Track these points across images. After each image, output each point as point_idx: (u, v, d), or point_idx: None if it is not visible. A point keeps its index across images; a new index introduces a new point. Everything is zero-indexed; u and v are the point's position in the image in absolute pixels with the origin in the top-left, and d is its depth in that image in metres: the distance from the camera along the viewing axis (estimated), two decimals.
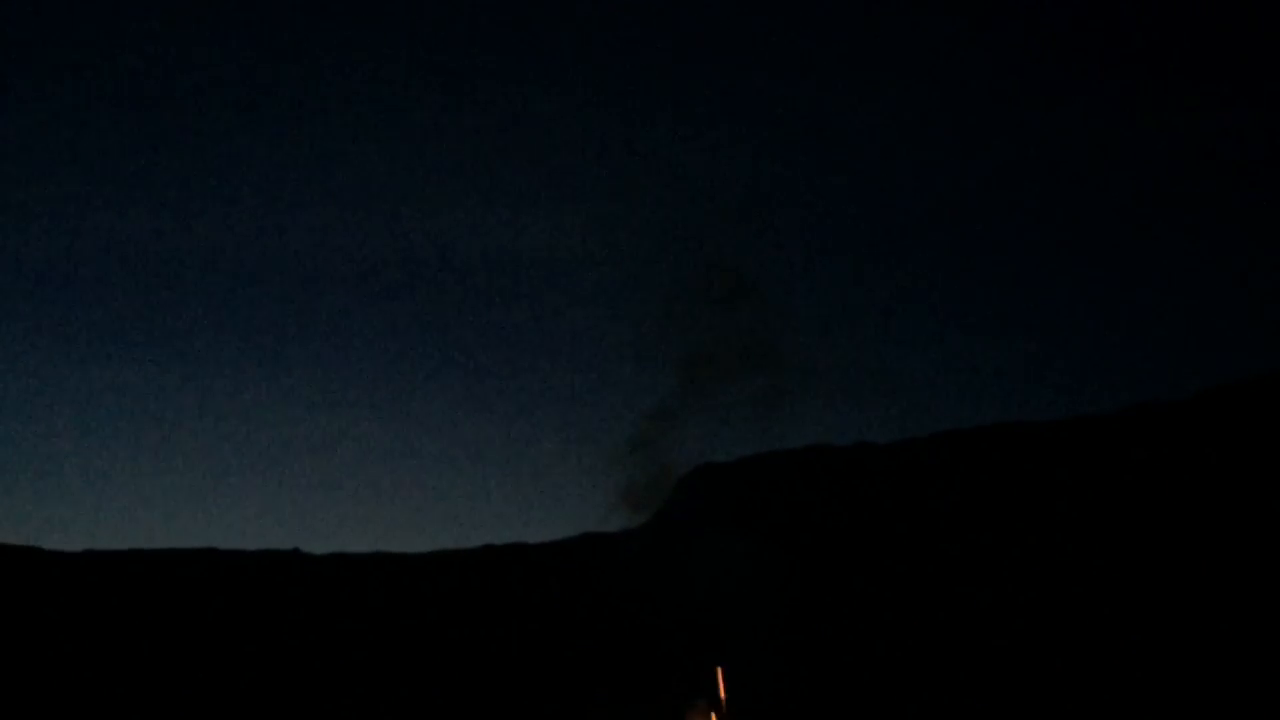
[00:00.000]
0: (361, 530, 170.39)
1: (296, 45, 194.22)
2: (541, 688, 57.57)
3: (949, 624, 58.38)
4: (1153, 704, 48.15)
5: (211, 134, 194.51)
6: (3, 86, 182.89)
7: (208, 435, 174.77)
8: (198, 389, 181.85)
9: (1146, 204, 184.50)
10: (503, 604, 68.69)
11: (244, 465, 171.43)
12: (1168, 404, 73.32)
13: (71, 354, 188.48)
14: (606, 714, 49.84)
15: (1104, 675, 51.95)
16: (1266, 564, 54.24)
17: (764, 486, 74.19)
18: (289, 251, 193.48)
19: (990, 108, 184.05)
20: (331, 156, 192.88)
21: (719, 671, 32.15)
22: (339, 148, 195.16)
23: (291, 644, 64.98)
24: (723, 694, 32.12)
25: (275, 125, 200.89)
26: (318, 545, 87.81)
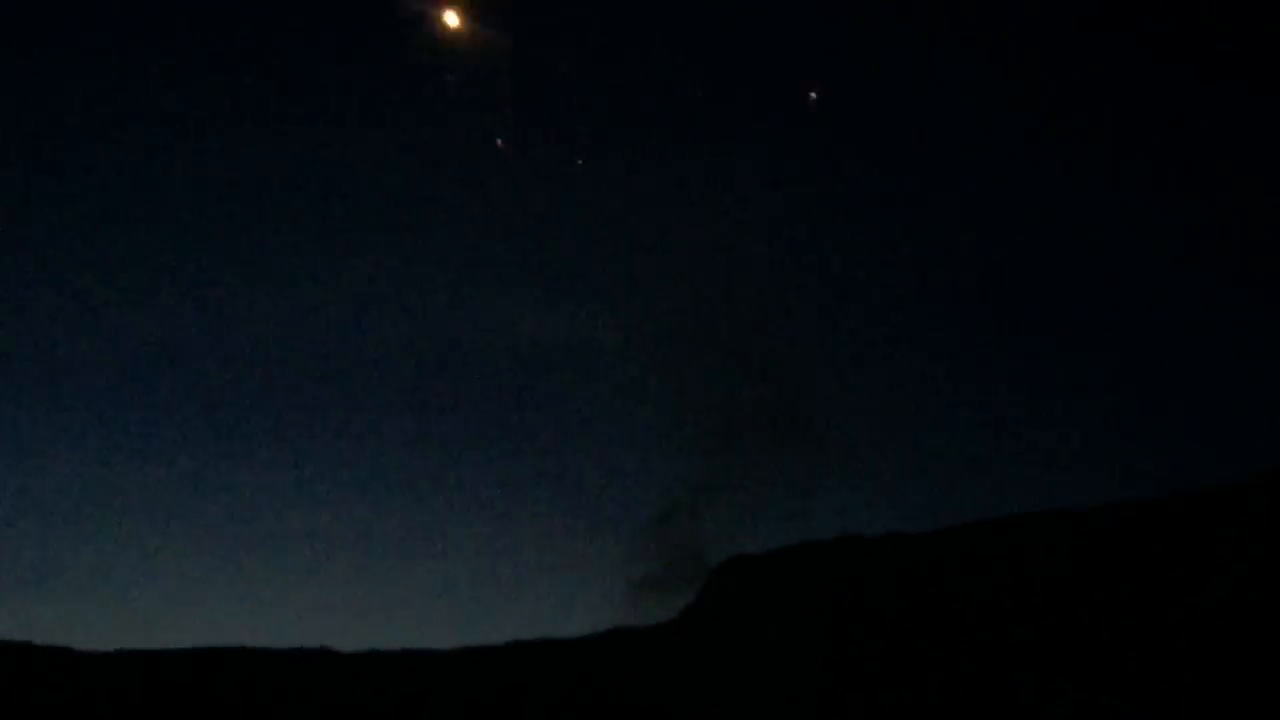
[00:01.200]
0: (390, 626, 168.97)
1: (319, 132, 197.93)
2: None
3: (985, 713, 57.40)
4: None
5: (234, 227, 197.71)
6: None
7: (237, 532, 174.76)
8: (226, 486, 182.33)
9: (1182, 289, 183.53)
10: (532, 702, 68.03)
11: (272, 563, 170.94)
12: (1207, 491, 72.32)
13: (100, 452, 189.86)
14: None
15: None
16: None
17: (796, 579, 73.49)
18: (315, 345, 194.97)
19: (1024, 193, 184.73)
20: (360, 249, 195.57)
21: None
22: (367, 240, 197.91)
23: None
24: None
25: (304, 219, 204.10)
26: (347, 643, 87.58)
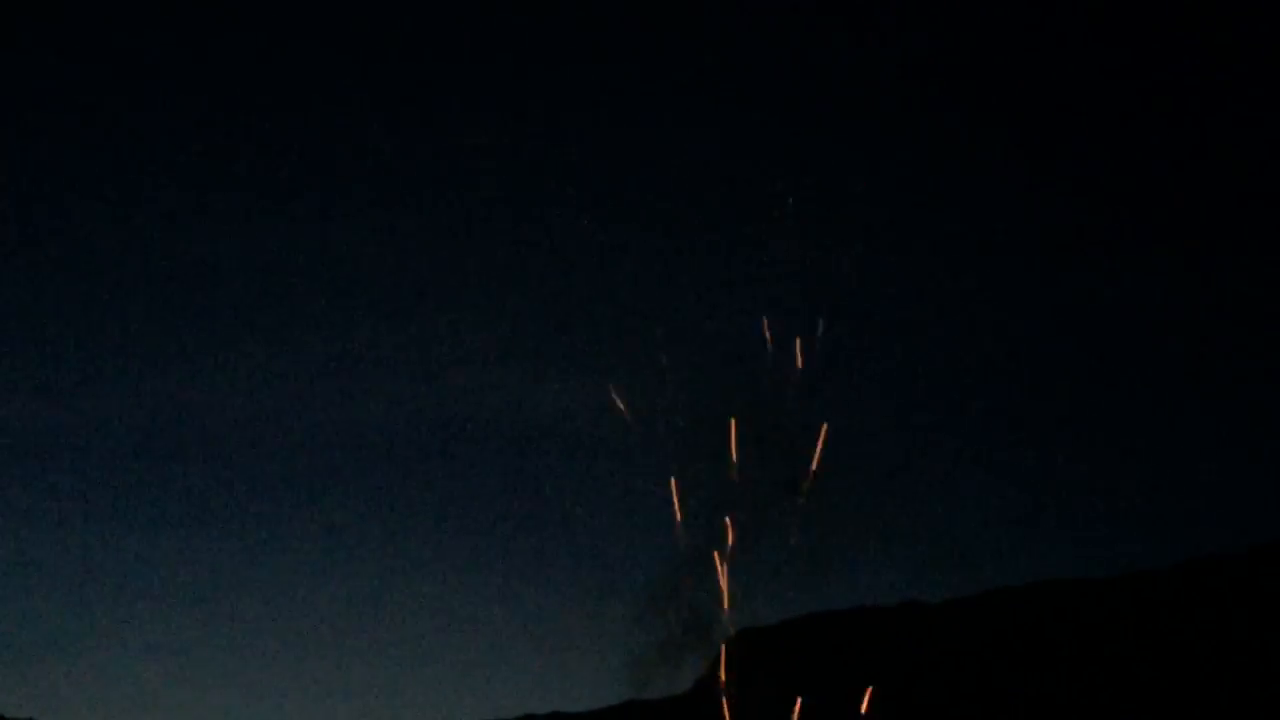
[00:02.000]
0: (398, 706, 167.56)
1: (314, 202, 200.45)
2: None
3: None
4: None
5: (232, 304, 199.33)
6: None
7: (234, 615, 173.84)
8: (230, 564, 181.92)
9: (1204, 358, 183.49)
10: None
11: (283, 643, 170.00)
12: (1226, 558, 71.81)
13: (96, 529, 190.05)
14: None
15: None
16: None
17: (809, 650, 72.71)
18: (302, 419, 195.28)
19: (1041, 262, 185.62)
20: (360, 321, 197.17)
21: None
22: (368, 312, 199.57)
23: None
24: None
25: (305, 287, 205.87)
26: None
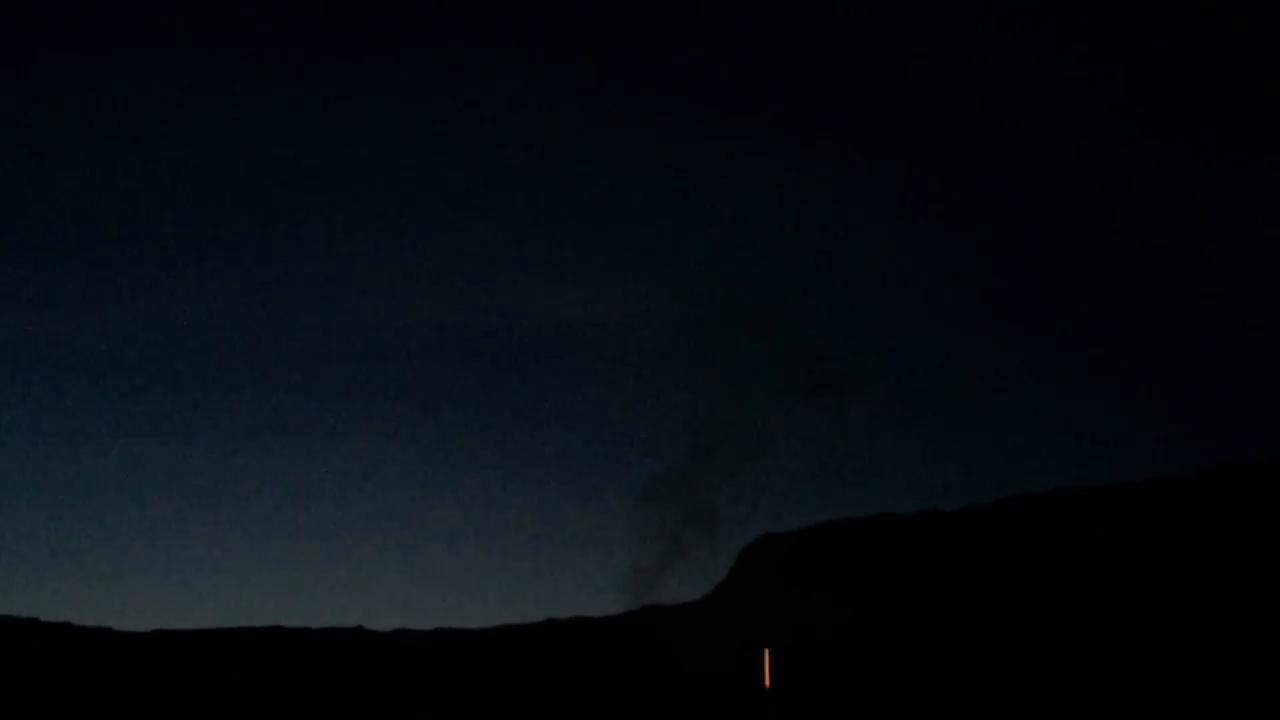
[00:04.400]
0: (425, 606, 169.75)
1: (350, 120, 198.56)
2: None
3: (1022, 691, 57.22)
4: None
5: (264, 211, 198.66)
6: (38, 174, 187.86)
7: (271, 514, 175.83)
8: (260, 468, 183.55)
9: (1215, 269, 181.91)
10: (567, 679, 68.15)
11: (308, 543, 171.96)
12: (1244, 466, 71.84)
13: (135, 436, 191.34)
14: None
15: None
16: None
17: (828, 556, 73.36)
18: (348, 327, 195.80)
19: (1052, 183, 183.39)
20: (391, 233, 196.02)
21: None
22: (410, 218, 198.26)
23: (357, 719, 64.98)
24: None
25: (331, 201, 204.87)
26: (382, 622, 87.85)
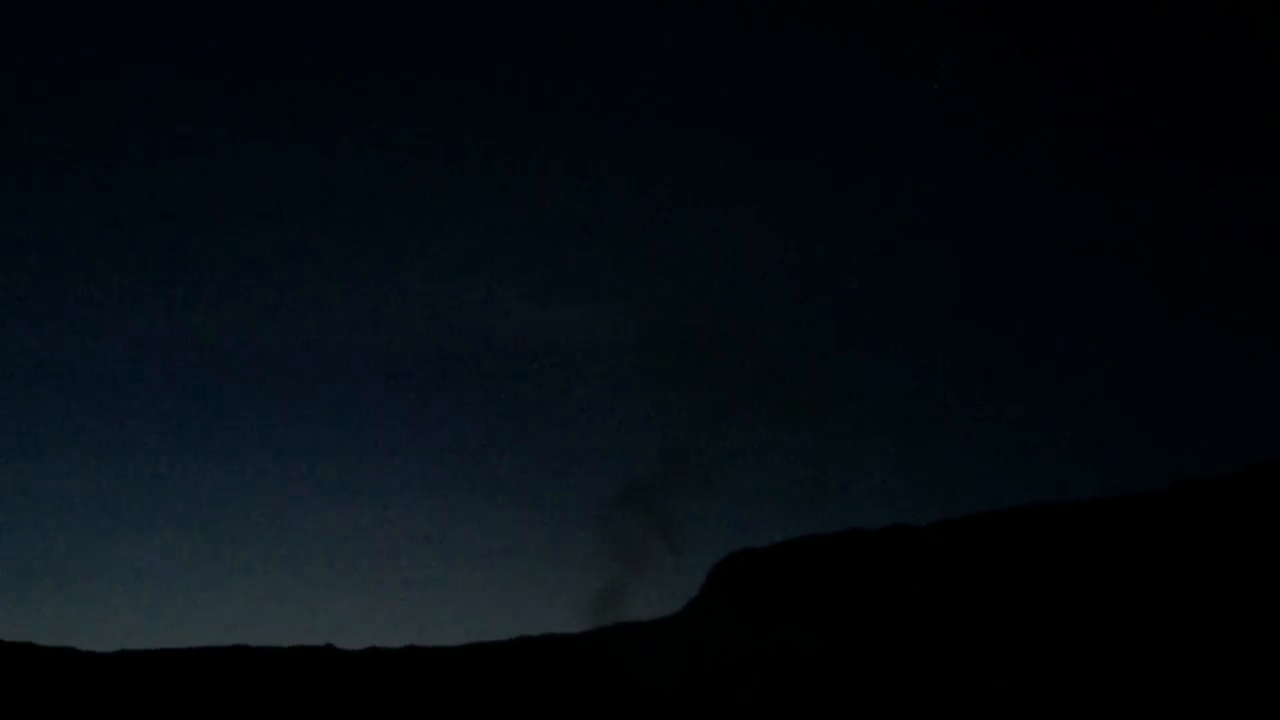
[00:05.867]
0: (394, 624, 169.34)
1: (323, 135, 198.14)
2: None
3: (994, 708, 57.21)
4: None
5: (239, 230, 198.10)
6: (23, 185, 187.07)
7: (238, 531, 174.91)
8: (228, 486, 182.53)
9: (1187, 283, 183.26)
10: (538, 695, 67.85)
11: (275, 561, 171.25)
12: (1212, 482, 71.99)
13: (102, 451, 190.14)
14: None
15: None
16: None
17: (799, 573, 73.23)
18: (317, 344, 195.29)
19: (1026, 188, 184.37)
20: (369, 250, 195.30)
21: None
22: (378, 239, 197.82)
23: None
24: None
25: (317, 213, 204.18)
26: (352, 640, 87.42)
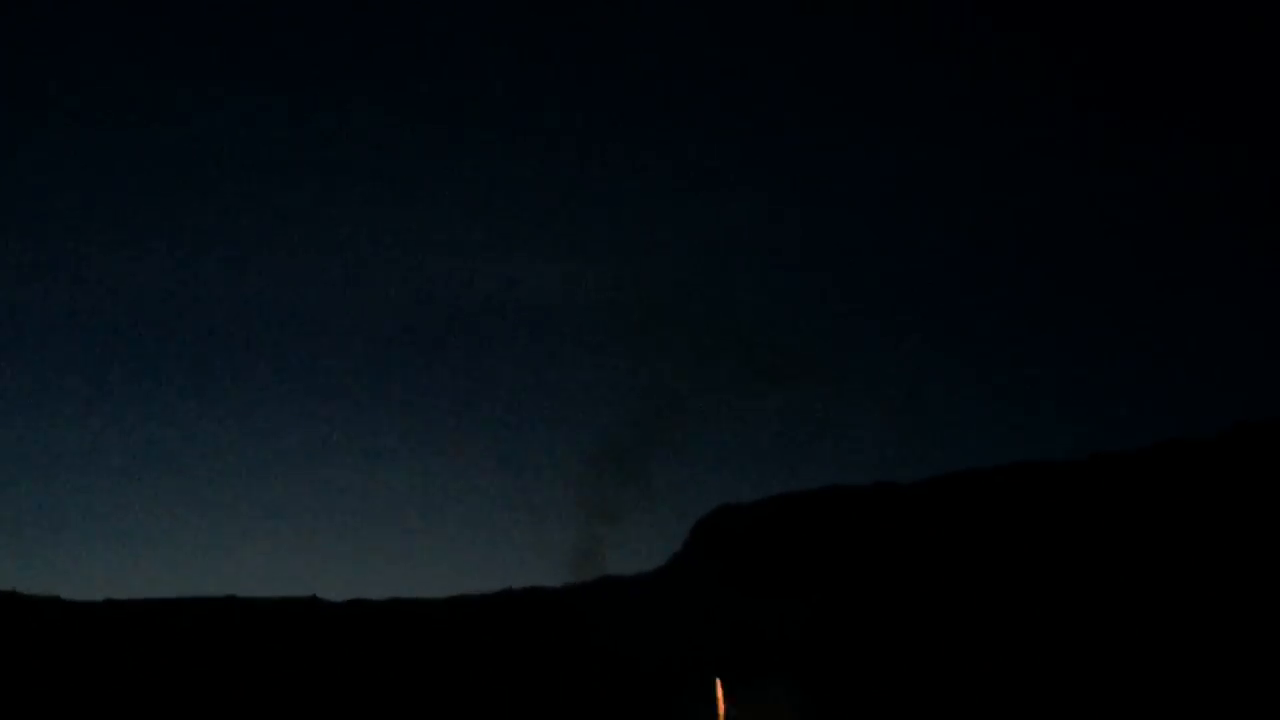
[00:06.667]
0: (380, 576, 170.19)
1: (317, 98, 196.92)
2: None
3: (970, 661, 57.70)
4: None
5: (233, 185, 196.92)
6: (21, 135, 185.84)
7: (226, 484, 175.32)
8: (216, 439, 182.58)
9: (1172, 244, 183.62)
10: (520, 649, 68.26)
11: (262, 513, 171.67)
12: (1191, 442, 72.41)
13: (90, 404, 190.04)
14: None
15: (1125, 711, 51.20)
16: None
17: (782, 528, 73.59)
18: (309, 302, 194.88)
19: (1014, 147, 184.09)
20: (357, 211, 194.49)
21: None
22: (367, 200, 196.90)
23: (311, 691, 64.82)
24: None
25: (304, 178, 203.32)
26: (336, 593, 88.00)
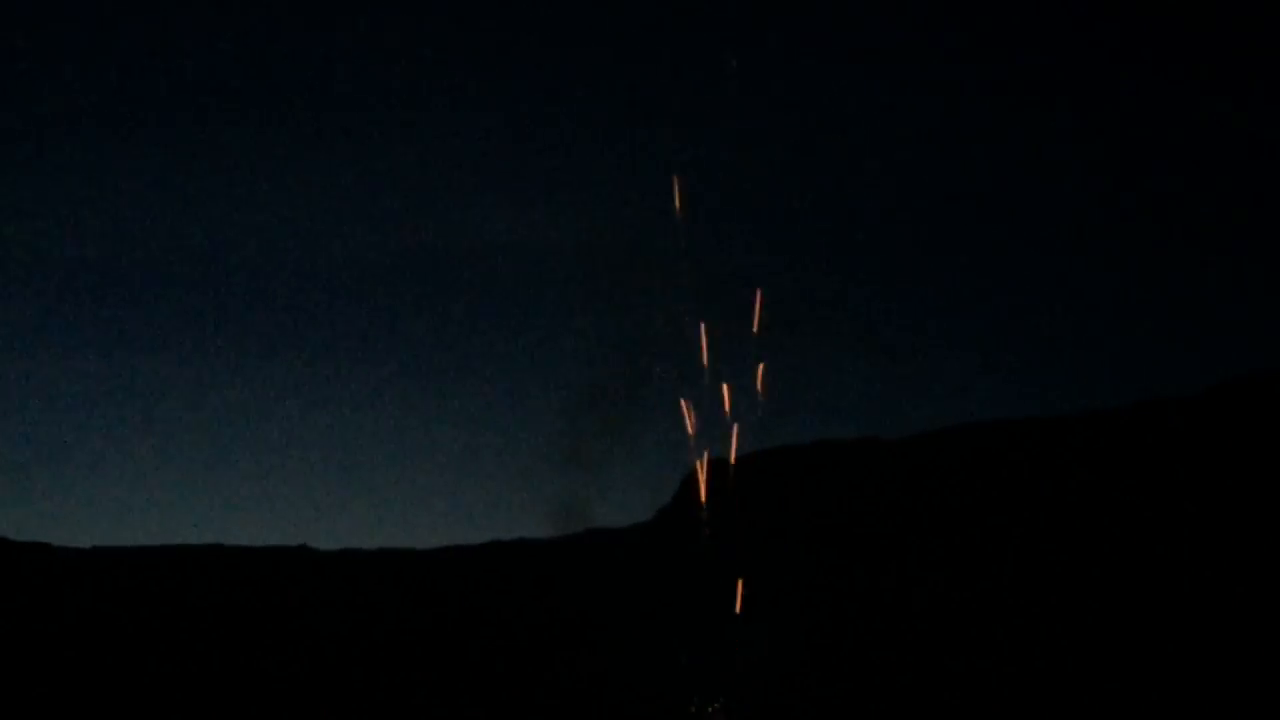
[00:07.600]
0: (369, 526, 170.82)
1: (302, 47, 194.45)
2: (544, 681, 57.61)
3: (957, 618, 58.29)
4: (1163, 698, 48.17)
5: (218, 136, 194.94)
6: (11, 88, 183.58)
7: (216, 432, 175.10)
8: (206, 387, 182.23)
9: (1155, 200, 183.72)
10: (507, 600, 68.72)
11: (252, 462, 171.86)
12: (1178, 400, 72.93)
13: (80, 352, 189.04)
14: (608, 711, 49.84)
15: (1114, 668, 51.84)
16: (1270, 560, 54.07)
17: (770, 482, 73.88)
18: (295, 249, 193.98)
19: (1003, 104, 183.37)
20: (336, 156, 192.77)
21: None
22: (342, 146, 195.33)
23: (299, 638, 65.21)
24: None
25: (280, 125, 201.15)
26: (325, 541, 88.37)
